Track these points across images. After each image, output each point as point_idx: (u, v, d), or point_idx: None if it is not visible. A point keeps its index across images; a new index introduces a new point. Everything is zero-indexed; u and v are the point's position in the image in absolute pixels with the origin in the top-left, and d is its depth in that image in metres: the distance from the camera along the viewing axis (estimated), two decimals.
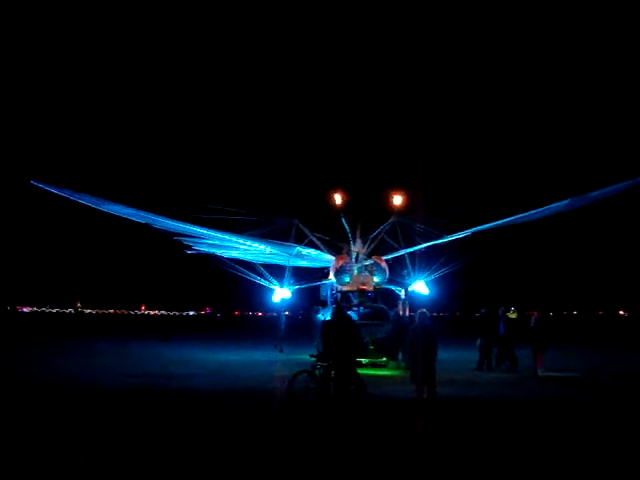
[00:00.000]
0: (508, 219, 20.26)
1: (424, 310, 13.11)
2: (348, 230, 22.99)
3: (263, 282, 24.32)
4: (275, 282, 24.41)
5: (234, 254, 24.10)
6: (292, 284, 24.58)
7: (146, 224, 21.50)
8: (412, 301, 23.29)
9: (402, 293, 23.30)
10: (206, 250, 23.84)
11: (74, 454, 8.46)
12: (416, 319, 13.14)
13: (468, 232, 21.25)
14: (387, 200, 23.59)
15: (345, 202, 23.25)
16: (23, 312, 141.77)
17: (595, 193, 18.43)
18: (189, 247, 23.60)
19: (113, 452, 8.67)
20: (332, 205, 23.19)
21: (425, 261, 23.38)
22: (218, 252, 23.94)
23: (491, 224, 20.66)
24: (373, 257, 22.89)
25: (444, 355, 21.80)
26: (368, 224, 23.52)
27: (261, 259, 24.53)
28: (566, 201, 18.76)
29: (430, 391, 12.13)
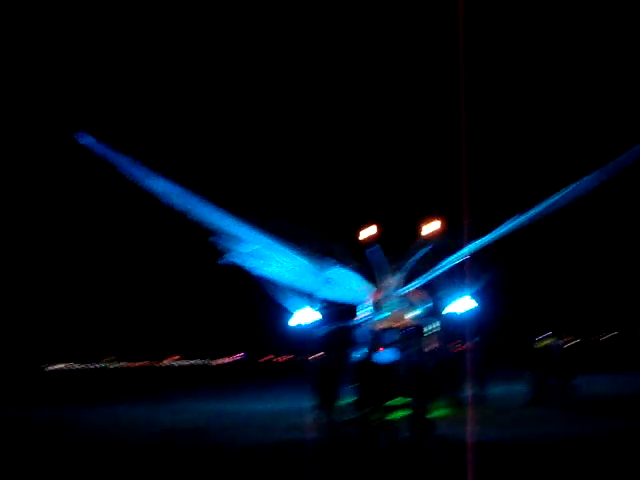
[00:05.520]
0: (534, 211, 19.47)
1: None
2: (382, 264, 22.23)
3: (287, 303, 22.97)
4: (298, 306, 23.15)
5: (268, 270, 22.62)
6: (318, 309, 23.28)
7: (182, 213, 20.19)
8: (448, 331, 22.36)
9: (437, 325, 22.37)
10: (241, 262, 22.21)
11: None
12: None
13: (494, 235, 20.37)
14: (418, 229, 22.82)
15: (378, 236, 22.49)
16: (51, 371, 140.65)
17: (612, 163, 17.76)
18: (223, 255, 21.87)
19: None
20: (364, 240, 22.45)
21: (457, 277, 22.40)
22: (254, 264, 22.34)
23: (517, 220, 19.80)
24: (409, 290, 22.01)
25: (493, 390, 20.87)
26: (402, 256, 22.72)
27: (292, 281, 23.20)
28: (589, 176, 17.98)
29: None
